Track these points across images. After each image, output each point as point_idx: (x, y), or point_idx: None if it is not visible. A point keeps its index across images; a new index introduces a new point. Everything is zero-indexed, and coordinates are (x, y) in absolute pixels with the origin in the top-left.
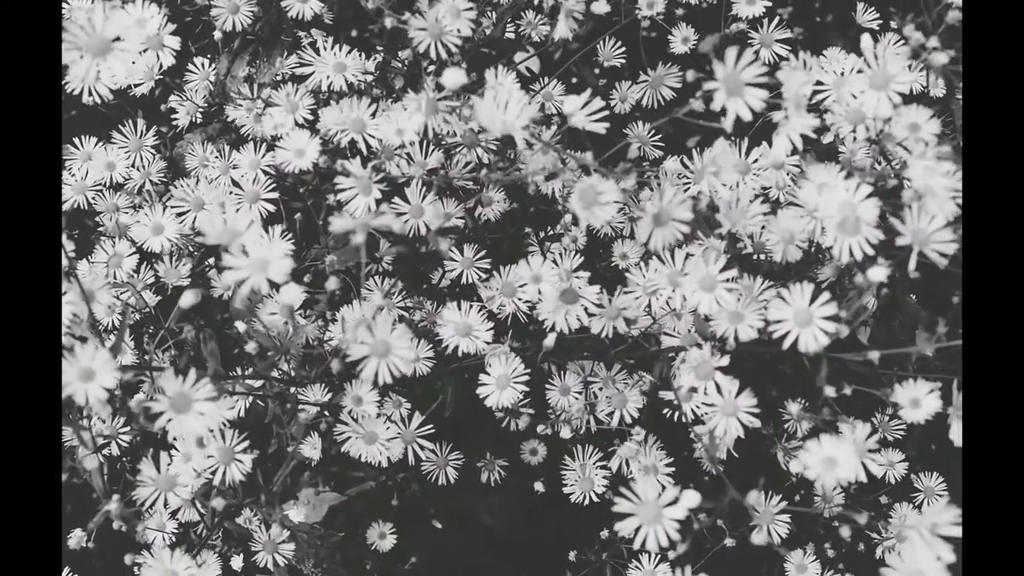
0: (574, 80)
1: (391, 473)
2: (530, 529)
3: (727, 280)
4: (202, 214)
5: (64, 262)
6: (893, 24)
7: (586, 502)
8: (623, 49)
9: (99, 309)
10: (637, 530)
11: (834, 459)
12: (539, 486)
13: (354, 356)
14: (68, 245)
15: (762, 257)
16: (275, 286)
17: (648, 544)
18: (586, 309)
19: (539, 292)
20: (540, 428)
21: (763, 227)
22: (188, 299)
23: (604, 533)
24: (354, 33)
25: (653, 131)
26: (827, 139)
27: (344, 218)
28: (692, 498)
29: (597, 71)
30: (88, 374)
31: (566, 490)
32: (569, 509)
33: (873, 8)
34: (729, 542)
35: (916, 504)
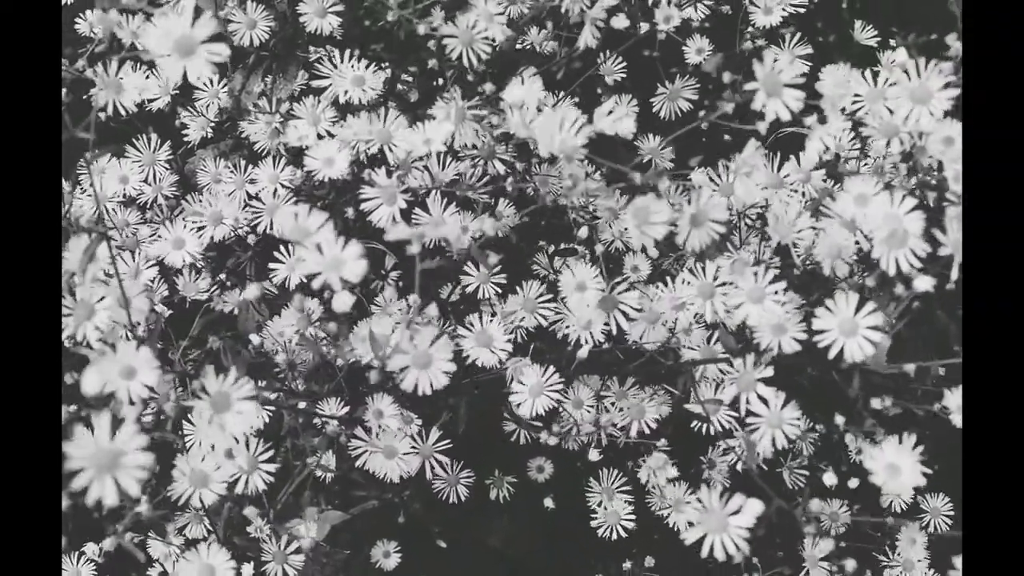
0: (577, 100)
1: (396, 491)
2: (539, 543)
3: (776, 292)
4: (276, 212)
5: (105, 266)
6: (892, 43)
7: (614, 536)
8: (623, 64)
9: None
10: (702, 539)
11: (898, 466)
12: (549, 502)
13: (394, 367)
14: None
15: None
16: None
17: (715, 553)
18: (626, 315)
19: (583, 301)
20: (552, 442)
21: (813, 240)
22: (252, 291)
23: (627, 565)
24: (357, 53)
25: (665, 144)
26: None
27: (400, 227)
28: (756, 507)
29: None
30: (130, 372)
31: (594, 523)
32: (579, 528)
33: (871, 27)
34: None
35: (923, 526)
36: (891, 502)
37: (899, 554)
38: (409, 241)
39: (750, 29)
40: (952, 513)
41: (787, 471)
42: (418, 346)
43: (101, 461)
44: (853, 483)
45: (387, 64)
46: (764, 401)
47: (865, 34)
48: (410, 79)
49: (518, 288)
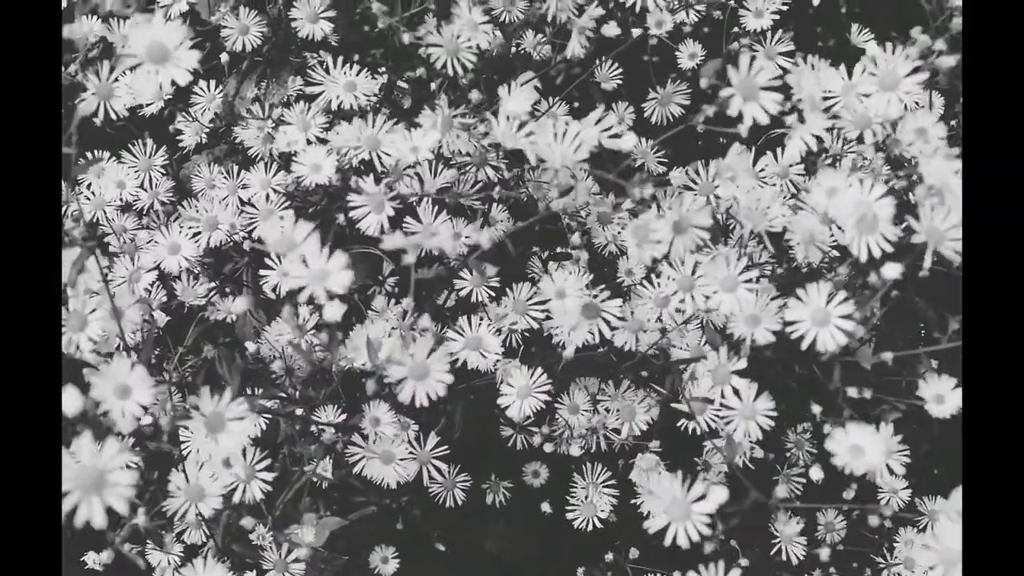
0: (576, 104)
1: (394, 497)
2: (536, 548)
3: (748, 281)
4: (263, 222)
5: (97, 277)
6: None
7: (589, 527)
8: (620, 70)
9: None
10: (666, 527)
11: (861, 447)
12: (546, 507)
13: (392, 378)
14: (103, 261)
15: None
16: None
17: (678, 540)
18: (608, 323)
19: (563, 308)
20: (548, 448)
21: (784, 228)
22: (241, 304)
23: (608, 556)
24: (356, 57)
25: (657, 147)
26: (833, 148)
27: (395, 236)
28: (720, 494)
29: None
30: (124, 391)
31: (569, 515)
32: (576, 532)
33: (868, 30)
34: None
35: (920, 528)
36: (889, 499)
37: (897, 556)
38: (405, 250)
39: (735, 29)
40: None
41: (783, 479)
42: (415, 357)
43: (86, 482)
44: (849, 494)
45: (384, 70)
46: (737, 393)
47: (862, 37)
48: (406, 85)
49: (508, 290)
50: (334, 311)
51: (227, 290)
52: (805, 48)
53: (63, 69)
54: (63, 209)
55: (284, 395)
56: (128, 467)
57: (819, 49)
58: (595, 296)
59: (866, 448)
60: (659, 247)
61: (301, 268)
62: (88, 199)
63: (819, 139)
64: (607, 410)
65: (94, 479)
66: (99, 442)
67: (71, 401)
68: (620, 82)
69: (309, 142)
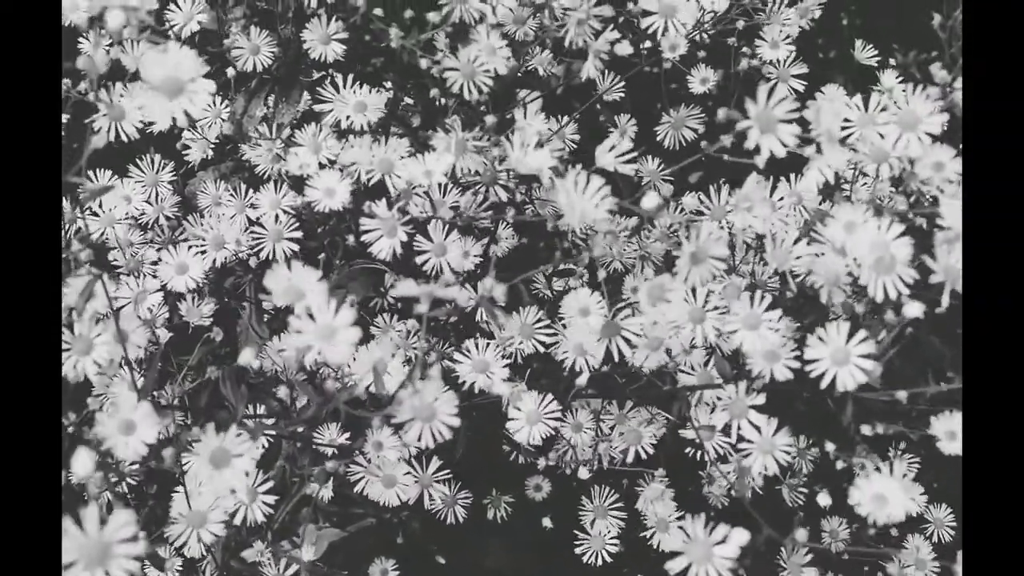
0: (576, 114)
1: (394, 511)
2: (538, 563)
3: (771, 320)
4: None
5: (105, 303)
6: (892, 62)
7: (598, 562)
8: (622, 83)
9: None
10: (687, 569)
11: (884, 496)
12: (547, 522)
13: (399, 419)
14: (110, 286)
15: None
16: None
17: None
18: (629, 342)
19: (587, 326)
20: (552, 463)
21: (810, 270)
22: (247, 356)
23: None
24: (357, 68)
25: (665, 170)
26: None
27: (408, 283)
28: (742, 536)
29: (610, 110)
30: (129, 427)
31: (578, 550)
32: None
33: (872, 45)
34: None
35: (927, 536)
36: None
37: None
38: (417, 299)
39: (744, 49)
40: (955, 524)
41: (786, 488)
42: (423, 399)
43: (92, 554)
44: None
45: (388, 83)
46: (756, 428)
47: (865, 53)
48: (411, 102)
49: (515, 313)
50: (341, 353)
51: (229, 303)
52: (806, 60)
53: (73, 88)
54: (67, 231)
55: (286, 409)
56: (134, 539)
57: (820, 61)
58: (615, 316)
59: (889, 498)
60: (670, 307)
61: (308, 324)
62: (96, 216)
63: (838, 176)
64: (612, 428)
65: (99, 551)
66: (105, 512)
67: (82, 464)
68: (623, 94)
69: (322, 165)
